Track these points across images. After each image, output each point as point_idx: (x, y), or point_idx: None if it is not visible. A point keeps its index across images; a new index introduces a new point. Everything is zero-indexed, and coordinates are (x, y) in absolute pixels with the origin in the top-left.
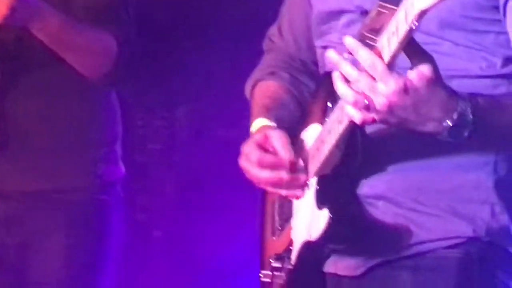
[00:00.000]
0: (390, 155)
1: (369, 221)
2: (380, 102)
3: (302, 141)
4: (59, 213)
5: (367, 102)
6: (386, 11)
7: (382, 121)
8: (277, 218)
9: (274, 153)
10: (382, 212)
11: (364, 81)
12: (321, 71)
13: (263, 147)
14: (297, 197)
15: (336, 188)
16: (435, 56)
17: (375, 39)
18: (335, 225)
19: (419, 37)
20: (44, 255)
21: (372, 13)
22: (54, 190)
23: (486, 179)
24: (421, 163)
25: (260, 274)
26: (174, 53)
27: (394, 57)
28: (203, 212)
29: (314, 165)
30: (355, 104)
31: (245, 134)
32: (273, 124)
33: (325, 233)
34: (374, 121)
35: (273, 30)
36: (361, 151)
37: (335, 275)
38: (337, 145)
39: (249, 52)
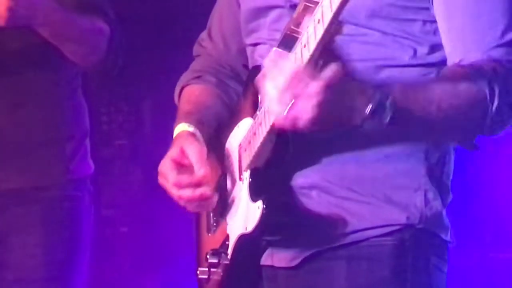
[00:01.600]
0: (322, 146)
1: (304, 212)
2: (306, 102)
3: (231, 139)
4: (33, 210)
5: (290, 105)
6: (312, 5)
7: (308, 124)
8: (211, 214)
9: (190, 167)
10: (316, 202)
11: (290, 87)
12: (251, 67)
13: (179, 163)
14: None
15: (269, 180)
16: (365, 46)
17: (299, 32)
18: (269, 216)
19: (348, 28)
20: (19, 252)
21: (299, 7)
22: (28, 188)
23: (418, 167)
24: (353, 153)
25: (197, 271)
26: (137, 46)
27: (319, 47)
28: (169, 207)
29: (246, 158)
30: (280, 106)
31: None
32: (192, 128)
33: (259, 224)
34: (297, 126)
35: (203, 35)
36: (292, 142)
37: (272, 267)
38: (268, 137)
39: None
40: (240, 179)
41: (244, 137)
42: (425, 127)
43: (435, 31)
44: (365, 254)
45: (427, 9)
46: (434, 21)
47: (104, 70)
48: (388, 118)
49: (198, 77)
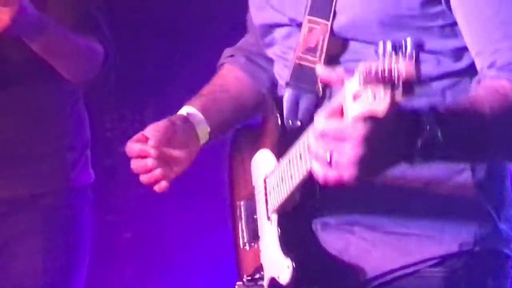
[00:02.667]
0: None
1: (342, 251)
2: (349, 153)
3: (255, 162)
4: (34, 218)
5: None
6: (317, 26)
7: (351, 181)
8: (245, 230)
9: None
10: (357, 237)
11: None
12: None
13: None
14: (161, 189)
15: (299, 229)
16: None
17: (314, 60)
18: (301, 272)
19: (360, 45)
20: (21, 259)
21: (304, 30)
22: (29, 196)
23: (465, 186)
24: (396, 187)
25: (236, 286)
26: (141, 53)
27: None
28: (172, 213)
29: (274, 201)
30: (319, 160)
31: None
32: (185, 112)
33: (292, 281)
34: (342, 180)
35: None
36: (319, 188)
37: None
38: (297, 188)
39: (217, 52)
40: (269, 218)
41: (270, 174)
42: (480, 148)
43: (457, 34)
44: (415, 286)
45: (443, 12)
46: (454, 24)
47: (95, 88)
48: (441, 150)
49: (231, 55)
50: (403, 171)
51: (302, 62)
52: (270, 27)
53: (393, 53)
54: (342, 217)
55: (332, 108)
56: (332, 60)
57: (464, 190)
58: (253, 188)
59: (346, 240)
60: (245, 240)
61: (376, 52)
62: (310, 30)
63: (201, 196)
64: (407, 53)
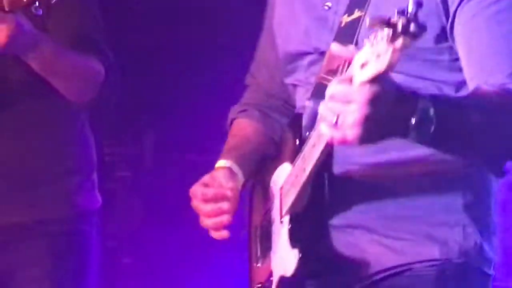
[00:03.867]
0: (359, 188)
1: (345, 249)
2: (353, 116)
3: (274, 179)
4: (41, 243)
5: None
6: None
7: (355, 140)
8: (258, 246)
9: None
10: (358, 239)
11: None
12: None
13: (208, 184)
14: (225, 236)
15: (308, 224)
16: None
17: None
18: (308, 261)
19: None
20: (27, 286)
21: (328, 55)
22: (35, 221)
23: (455, 202)
24: (392, 193)
25: None
26: (142, 78)
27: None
28: (172, 239)
29: (287, 202)
30: (327, 121)
31: (213, 158)
32: (229, 164)
33: (297, 270)
34: (346, 139)
35: (252, 66)
36: (328, 193)
37: None
38: (307, 183)
39: (213, 78)
40: (281, 222)
41: (285, 181)
42: (466, 139)
43: (461, 69)
44: (407, 283)
45: (451, 48)
46: (458, 59)
47: (96, 108)
48: (433, 128)
49: (244, 110)
50: (401, 179)
51: (324, 82)
52: (295, 56)
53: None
54: (346, 220)
55: (343, 77)
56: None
57: (454, 206)
58: (270, 209)
59: (348, 240)
60: (258, 256)
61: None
62: (334, 55)
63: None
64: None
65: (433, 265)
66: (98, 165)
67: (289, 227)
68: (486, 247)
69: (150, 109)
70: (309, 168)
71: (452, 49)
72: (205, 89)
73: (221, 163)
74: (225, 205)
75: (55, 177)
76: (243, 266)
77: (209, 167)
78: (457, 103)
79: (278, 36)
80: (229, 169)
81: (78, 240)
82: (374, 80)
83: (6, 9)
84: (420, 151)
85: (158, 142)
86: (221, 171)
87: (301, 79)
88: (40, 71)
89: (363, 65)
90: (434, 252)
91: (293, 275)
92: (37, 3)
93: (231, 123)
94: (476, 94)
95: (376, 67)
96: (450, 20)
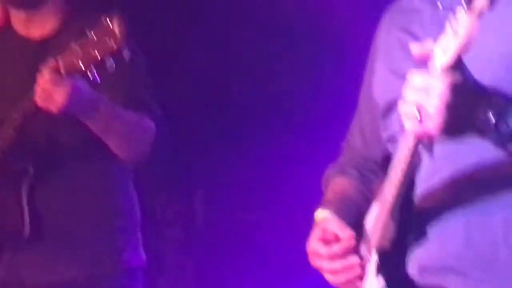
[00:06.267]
0: (445, 224)
1: None
2: (435, 104)
3: (367, 220)
4: None
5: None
6: None
7: (438, 126)
8: None
9: (336, 239)
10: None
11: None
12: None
13: (324, 239)
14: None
15: (394, 260)
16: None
17: None
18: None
19: (488, 84)
20: None
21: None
22: (81, 279)
23: None
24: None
25: None
26: (189, 136)
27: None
28: None
29: (373, 238)
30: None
31: (263, 217)
32: (331, 215)
33: None
34: (428, 133)
35: (351, 130)
36: (415, 221)
37: None
38: (391, 216)
39: (258, 142)
40: (370, 259)
41: (373, 219)
42: None
43: None
44: None
45: None
46: None
47: (146, 166)
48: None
49: (341, 170)
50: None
51: None
52: (392, 104)
53: None
54: (435, 262)
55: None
56: None
57: None
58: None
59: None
60: None
61: None
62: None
63: (252, 278)
64: None
65: None
66: (148, 224)
67: (377, 262)
68: None
69: (199, 167)
70: (393, 192)
71: None
72: (252, 148)
73: (323, 213)
74: (354, 259)
75: (101, 235)
76: None
77: (258, 224)
78: None
79: (376, 86)
80: (335, 217)
81: None
82: (455, 65)
83: (62, 72)
84: None
85: (208, 200)
86: (330, 222)
87: (395, 130)
88: (96, 130)
89: (444, 51)
90: None
91: None
92: (94, 70)
93: (327, 181)
94: None
95: (455, 42)
96: None
